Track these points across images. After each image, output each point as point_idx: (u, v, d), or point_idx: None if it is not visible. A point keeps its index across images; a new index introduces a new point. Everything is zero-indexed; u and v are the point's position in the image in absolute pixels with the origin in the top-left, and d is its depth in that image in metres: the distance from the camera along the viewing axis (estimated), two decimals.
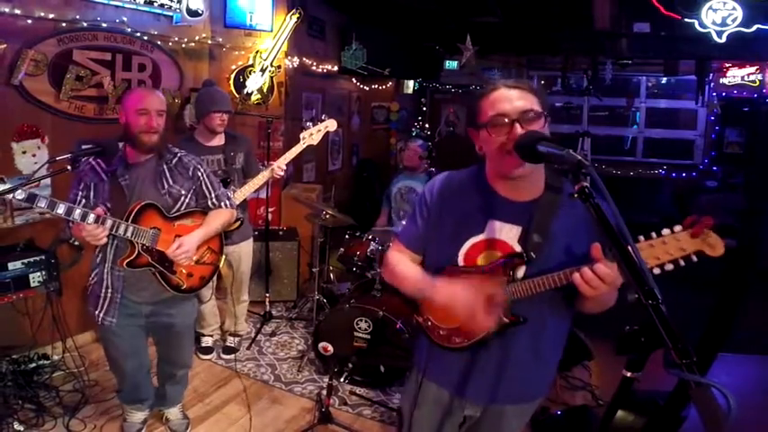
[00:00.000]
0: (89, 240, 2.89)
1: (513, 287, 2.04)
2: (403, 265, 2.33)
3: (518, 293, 2.04)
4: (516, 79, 2.06)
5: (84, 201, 3.08)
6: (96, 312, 3.24)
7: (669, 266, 1.80)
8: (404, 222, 4.95)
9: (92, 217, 2.83)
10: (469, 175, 2.23)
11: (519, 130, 1.89)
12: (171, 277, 3.23)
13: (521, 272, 2.06)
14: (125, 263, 3.09)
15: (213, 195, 3.37)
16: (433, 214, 2.24)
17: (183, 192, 3.25)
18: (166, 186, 3.19)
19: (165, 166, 3.20)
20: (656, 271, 1.80)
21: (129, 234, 2.99)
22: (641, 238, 1.80)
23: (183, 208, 3.24)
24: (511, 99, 1.95)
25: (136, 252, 3.09)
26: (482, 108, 2.01)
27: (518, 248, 2.07)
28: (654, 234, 1.81)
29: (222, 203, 3.41)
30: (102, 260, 3.20)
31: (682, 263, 1.79)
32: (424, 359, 2.36)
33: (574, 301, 2.06)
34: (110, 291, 3.20)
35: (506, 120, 1.92)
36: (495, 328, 2.07)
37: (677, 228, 1.79)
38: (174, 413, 3.87)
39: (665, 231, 1.80)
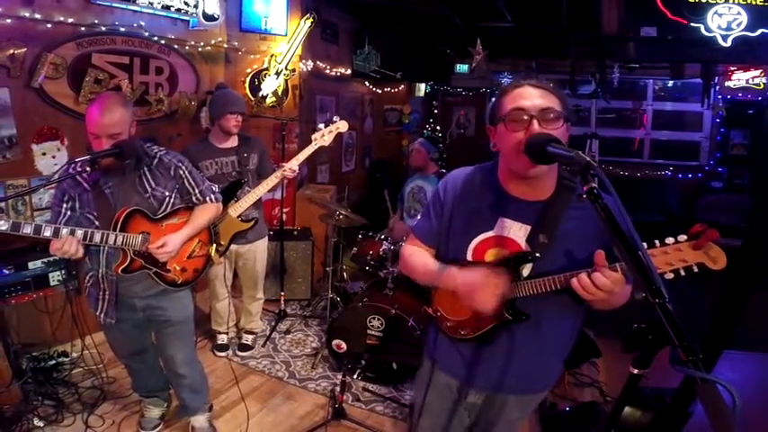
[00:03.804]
0: (64, 257, 2.78)
1: (516, 285, 2.04)
2: (416, 256, 2.36)
3: (519, 292, 2.04)
4: (540, 80, 2.00)
5: (69, 213, 3.00)
6: (97, 313, 3.22)
7: (669, 275, 1.78)
8: (417, 218, 4.90)
9: (65, 231, 2.73)
10: (482, 172, 2.22)
11: (536, 126, 1.87)
12: (166, 275, 3.18)
13: (526, 270, 2.05)
14: (120, 269, 3.03)
15: (197, 191, 3.27)
16: (446, 210, 2.24)
17: (167, 192, 3.16)
18: (149, 190, 3.09)
19: (145, 169, 3.09)
20: None
21: (119, 243, 2.92)
22: (644, 245, 1.75)
23: (168, 208, 3.16)
24: (532, 96, 1.92)
25: (129, 258, 3.03)
26: (503, 103, 1.99)
27: (525, 247, 2.06)
28: (657, 242, 1.78)
29: (207, 198, 3.31)
30: (95, 265, 3.13)
31: (683, 273, 1.77)
32: (432, 348, 2.45)
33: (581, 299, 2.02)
34: (107, 293, 3.14)
35: (525, 116, 1.89)
36: (496, 315, 2.08)
37: (681, 237, 1.76)
38: (200, 421, 3.76)
39: (669, 240, 1.77)
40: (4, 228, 2.58)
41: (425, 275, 2.27)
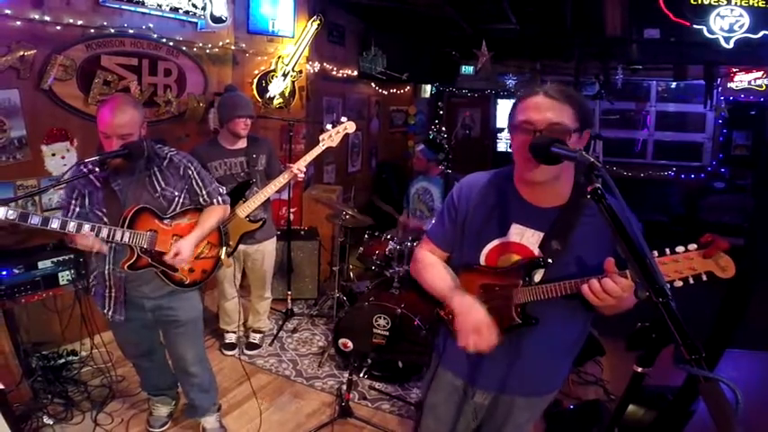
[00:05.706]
0: (87, 251, 2.84)
1: (526, 290, 2.03)
2: (430, 270, 2.31)
3: (530, 297, 2.03)
4: (559, 87, 1.93)
5: (78, 209, 2.99)
6: (105, 311, 3.19)
7: (678, 284, 1.76)
8: (423, 219, 4.86)
9: (87, 227, 2.74)
10: (498, 177, 2.20)
11: None
12: (173, 274, 3.15)
13: (538, 276, 2.05)
14: (126, 266, 3.00)
15: (204, 192, 3.24)
16: (460, 215, 2.22)
17: (177, 192, 3.14)
18: (159, 189, 3.07)
19: (155, 169, 3.07)
20: None
21: (126, 240, 2.89)
22: (655, 253, 1.75)
23: (178, 208, 3.14)
24: (541, 108, 1.88)
25: (135, 255, 3.00)
26: (516, 111, 1.97)
27: (537, 253, 2.04)
28: (668, 250, 1.76)
29: (214, 200, 3.28)
30: (101, 262, 3.10)
31: (691, 281, 1.75)
32: (442, 349, 2.42)
33: (590, 304, 2.00)
34: (113, 291, 3.12)
35: (532, 130, 1.87)
36: (506, 319, 2.08)
37: (692, 246, 1.74)
38: (210, 422, 3.73)
39: (680, 249, 1.75)
40: (12, 216, 2.55)
41: (436, 294, 2.25)
